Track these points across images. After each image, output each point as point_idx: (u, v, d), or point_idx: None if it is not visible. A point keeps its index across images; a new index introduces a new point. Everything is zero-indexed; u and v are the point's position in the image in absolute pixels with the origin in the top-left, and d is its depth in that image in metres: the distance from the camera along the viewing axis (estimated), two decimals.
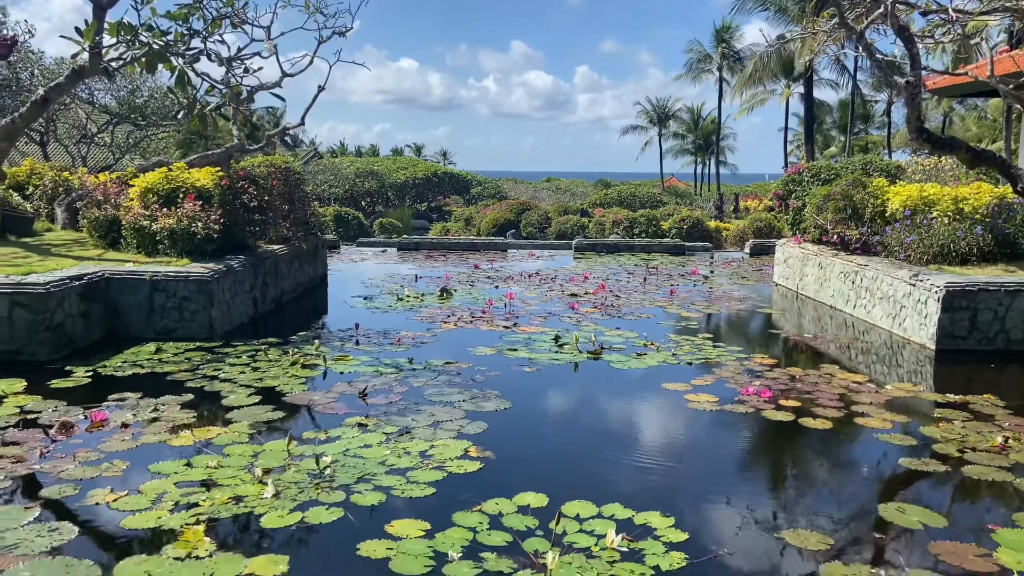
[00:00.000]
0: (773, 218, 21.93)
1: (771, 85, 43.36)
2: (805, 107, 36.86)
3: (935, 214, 10.69)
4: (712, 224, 23.24)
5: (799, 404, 6.92)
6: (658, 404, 7.17)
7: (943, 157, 14.32)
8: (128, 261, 9.60)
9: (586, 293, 13.17)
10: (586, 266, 17.27)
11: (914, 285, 9.52)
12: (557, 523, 4.29)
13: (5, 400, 6.57)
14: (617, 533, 4.26)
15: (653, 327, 10.48)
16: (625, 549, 4.19)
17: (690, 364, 8.40)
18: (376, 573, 3.93)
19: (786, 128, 47.88)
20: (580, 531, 4.41)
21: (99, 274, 8.78)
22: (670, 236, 21.53)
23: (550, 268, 16.88)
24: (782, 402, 6.96)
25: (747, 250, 20.35)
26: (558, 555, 3.95)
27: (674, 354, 8.80)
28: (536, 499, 4.84)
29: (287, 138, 47.37)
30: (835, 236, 12.16)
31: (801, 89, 38.32)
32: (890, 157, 35.54)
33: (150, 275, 8.98)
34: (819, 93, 44.37)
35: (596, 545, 4.24)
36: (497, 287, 13.86)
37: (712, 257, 19.86)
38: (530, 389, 7.55)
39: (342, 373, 7.84)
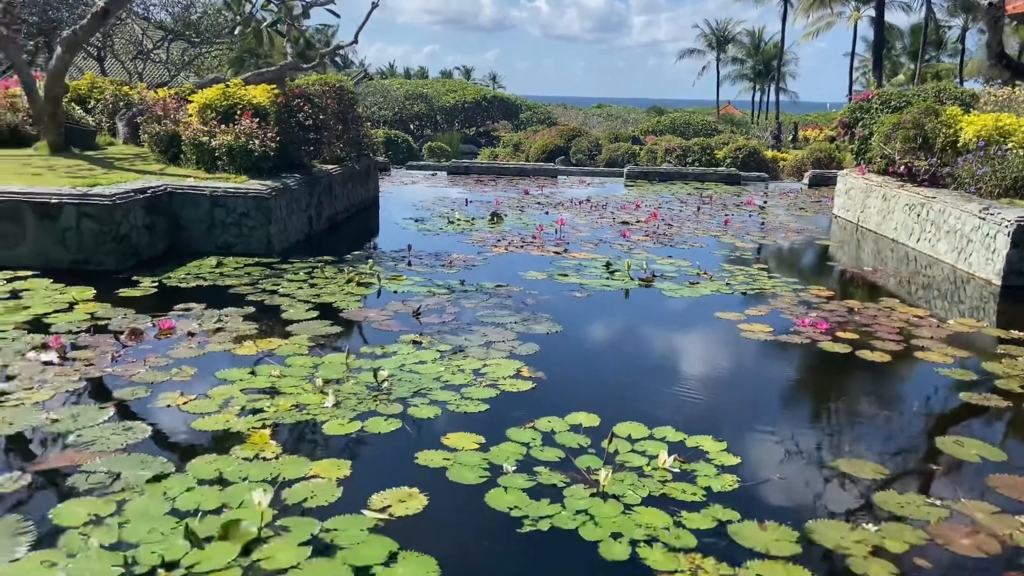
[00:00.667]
0: (834, 148, 21.18)
1: (839, 8, 41.27)
2: (875, 30, 34.99)
3: (1010, 145, 10.18)
4: (769, 154, 22.56)
5: (856, 337, 6.81)
6: (711, 333, 7.13)
7: (1017, 88, 13.55)
8: (188, 176, 9.76)
9: (638, 221, 13.01)
10: (637, 194, 17.01)
11: (983, 219, 9.16)
12: (610, 442, 4.36)
13: (76, 307, 6.84)
14: (669, 455, 4.31)
15: (706, 256, 10.34)
16: (677, 470, 4.24)
17: (744, 294, 8.31)
18: (434, 480, 4.05)
19: (852, 54, 45.70)
20: (632, 451, 4.48)
21: (162, 188, 8.96)
22: (724, 165, 20.99)
23: (600, 195, 16.67)
24: (839, 334, 6.86)
25: (805, 181, 19.77)
26: (610, 472, 4.01)
27: (727, 284, 8.69)
28: (588, 419, 4.91)
29: (337, 58, 46.96)
30: (902, 167, 11.70)
31: (871, 12, 36.37)
32: (961, 86, 33.79)
33: (210, 190, 9.13)
34: (890, 16, 42.15)
35: (648, 465, 4.30)
36: (547, 213, 13.76)
37: (768, 188, 19.35)
38: (581, 314, 7.56)
39: (396, 292, 7.95)
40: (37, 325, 6.29)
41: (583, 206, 14.75)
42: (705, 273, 9.13)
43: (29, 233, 8.01)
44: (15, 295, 7.09)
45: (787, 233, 12.55)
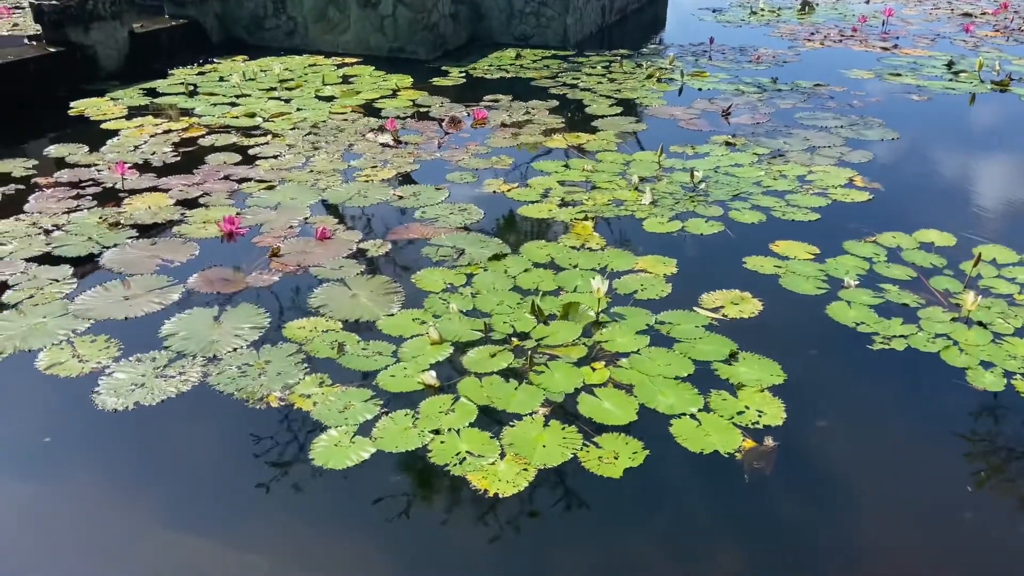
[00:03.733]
0: None
1: None
2: None
3: None
4: None
5: None
6: None
7: None
8: None
9: (983, 13, 10.85)
10: None
11: None
12: (975, 265, 3.83)
13: (399, 94, 7.27)
14: None
15: None
16: None
17: None
18: (766, 286, 3.88)
19: None
20: (998, 277, 3.93)
21: None
22: None
23: None
24: None
25: None
26: (977, 297, 3.55)
27: None
28: (940, 237, 4.36)
29: None
30: None
31: None
32: None
33: None
34: None
35: (1021, 294, 3.75)
36: (868, 2, 11.93)
37: None
38: (921, 119, 6.60)
39: (700, 90, 7.46)
40: (369, 109, 6.80)
41: None
42: None
43: (353, 20, 8.50)
44: (346, 80, 7.68)
45: None
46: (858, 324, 3.54)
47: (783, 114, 6.65)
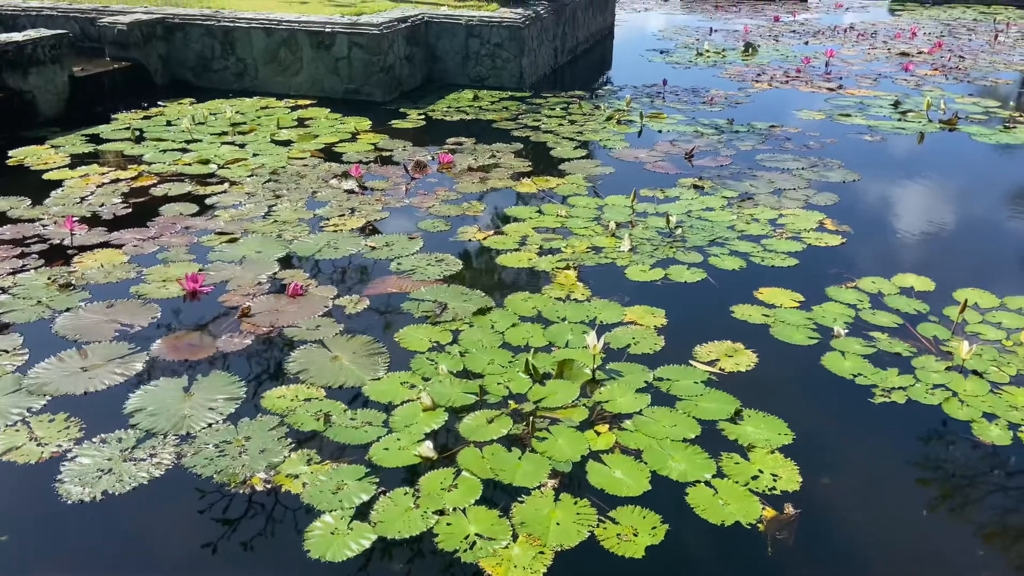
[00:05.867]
0: None
1: None
2: None
3: None
4: None
5: None
6: None
7: None
8: (441, 4, 9.60)
9: (919, 52, 11.32)
10: (910, 20, 14.77)
11: None
12: (962, 312, 3.84)
13: (359, 137, 7.09)
14: None
15: (1016, 95, 8.81)
16: None
17: None
18: (757, 337, 3.82)
19: None
20: (983, 322, 3.95)
21: (420, 17, 8.87)
22: None
23: (865, 22, 14.65)
24: None
25: None
26: (972, 347, 3.54)
27: None
28: (919, 282, 4.39)
29: None
30: None
31: None
32: None
33: (465, 19, 8.93)
34: None
35: (1008, 340, 3.78)
36: (807, 43, 12.34)
37: None
38: (877, 160, 6.74)
39: (660, 132, 7.50)
40: (329, 153, 6.60)
41: (847, 34, 13.07)
42: (1022, 116, 7.78)
43: (306, 62, 8.31)
44: (302, 123, 7.46)
45: None
46: (855, 376, 3.49)
47: (745, 156, 6.72)
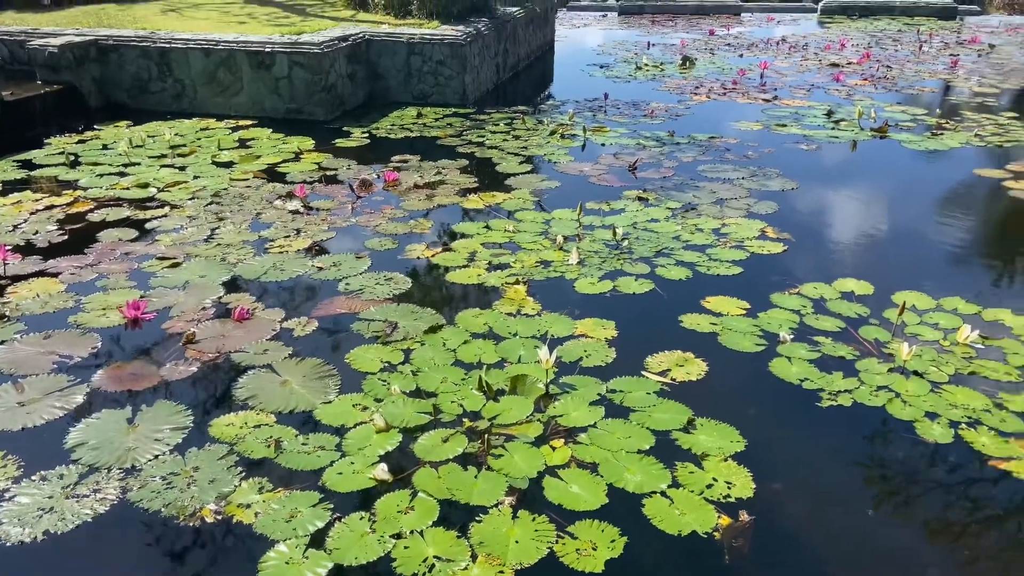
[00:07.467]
0: None
1: None
2: None
3: None
4: None
5: None
6: (973, 191, 6.37)
7: None
8: (382, 23, 9.58)
9: (849, 63, 11.72)
10: (839, 32, 15.30)
11: None
12: (901, 314, 3.97)
13: (302, 156, 7.00)
14: (967, 329, 3.90)
15: (940, 103, 9.18)
16: (981, 346, 3.83)
17: (1000, 147, 7.32)
18: (706, 345, 3.88)
19: None
20: (921, 324, 4.09)
21: (361, 35, 8.84)
22: None
23: (796, 34, 15.12)
24: None
25: None
26: (912, 348, 3.66)
27: (977, 135, 7.69)
28: (859, 286, 4.52)
29: None
30: None
31: None
32: None
33: (407, 37, 8.92)
34: None
35: (945, 340, 3.92)
36: (742, 56, 12.66)
37: (996, 24, 16.85)
38: (813, 169, 6.94)
39: (603, 145, 7.60)
40: (272, 174, 6.50)
41: (780, 47, 13.46)
42: (947, 122, 8.11)
43: (246, 82, 8.19)
44: (244, 144, 7.34)
45: None
46: (802, 380, 3.57)
47: (686, 167, 6.85)
